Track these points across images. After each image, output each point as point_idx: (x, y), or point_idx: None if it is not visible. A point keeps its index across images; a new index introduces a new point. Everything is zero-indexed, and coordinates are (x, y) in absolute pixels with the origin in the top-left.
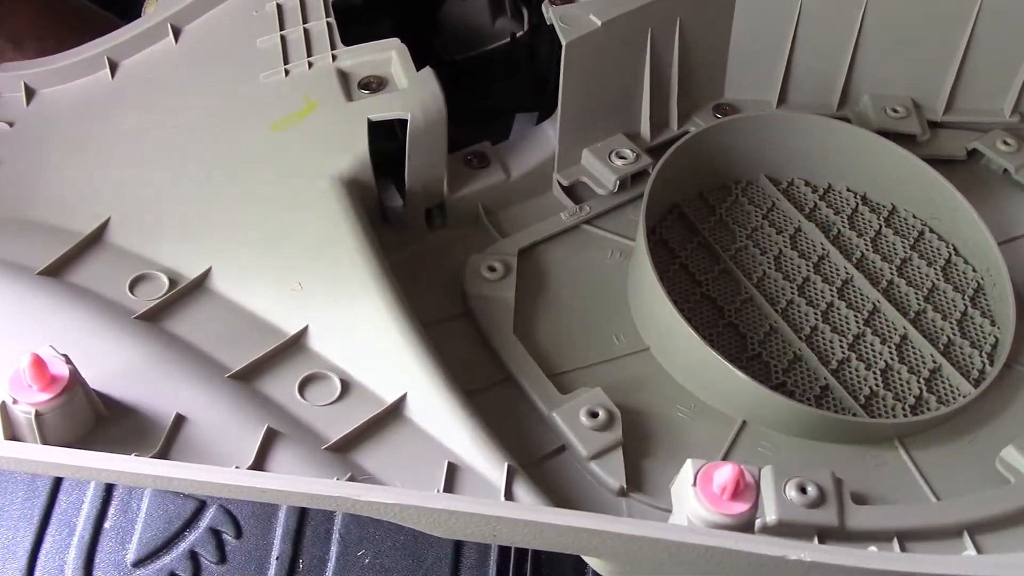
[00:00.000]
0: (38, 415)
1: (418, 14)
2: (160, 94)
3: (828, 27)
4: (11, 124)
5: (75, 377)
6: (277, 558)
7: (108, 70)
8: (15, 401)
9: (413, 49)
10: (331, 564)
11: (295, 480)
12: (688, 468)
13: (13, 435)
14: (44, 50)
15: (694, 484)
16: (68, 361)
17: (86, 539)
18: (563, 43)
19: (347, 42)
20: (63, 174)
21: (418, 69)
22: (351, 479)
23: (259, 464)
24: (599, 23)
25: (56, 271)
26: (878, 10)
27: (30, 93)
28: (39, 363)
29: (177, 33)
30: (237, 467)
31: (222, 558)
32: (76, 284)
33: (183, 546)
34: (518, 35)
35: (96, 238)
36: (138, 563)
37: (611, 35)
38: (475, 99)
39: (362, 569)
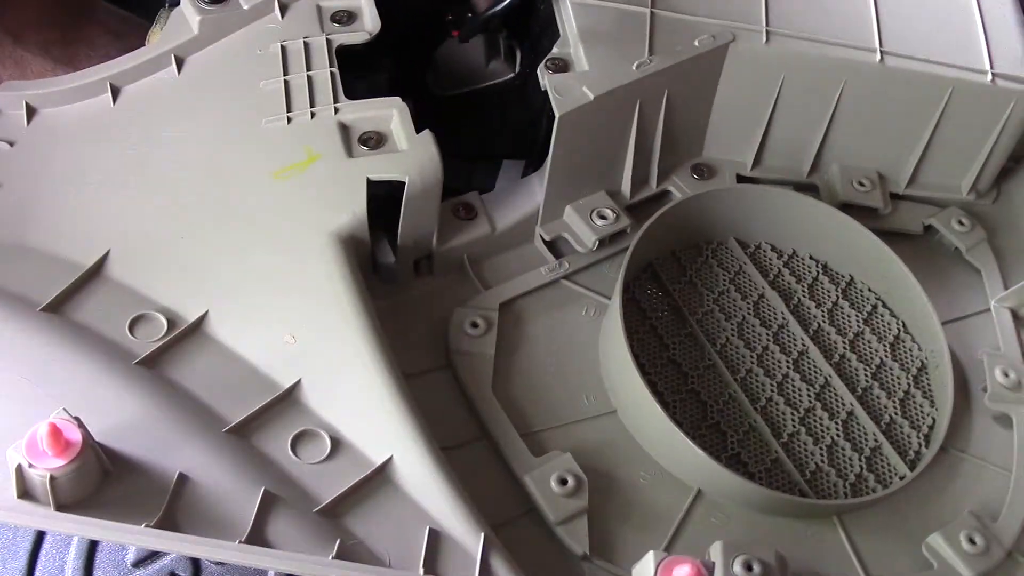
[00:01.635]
0: (52, 479)
1: (417, 53)
2: (161, 124)
3: (806, 102)
4: (11, 143)
5: (87, 441)
6: None
7: (110, 95)
8: (31, 465)
9: (408, 88)
10: None
11: (293, 558)
12: (649, 560)
13: (25, 492)
14: (44, 42)
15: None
16: (81, 425)
17: (86, 540)
18: (556, 115)
19: (348, 83)
20: (63, 200)
21: (413, 104)
22: (341, 547)
23: (257, 530)
24: (592, 97)
25: (58, 307)
26: (855, 90)
27: (31, 112)
28: (56, 432)
29: (180, 63)
30: (241, 540)
31: None
32: (77, 321)
33: None
34: (508, 78)
35: (96, 272)
36: (138, 563)
37: (602, 107)
38: (464, 141)
39: None
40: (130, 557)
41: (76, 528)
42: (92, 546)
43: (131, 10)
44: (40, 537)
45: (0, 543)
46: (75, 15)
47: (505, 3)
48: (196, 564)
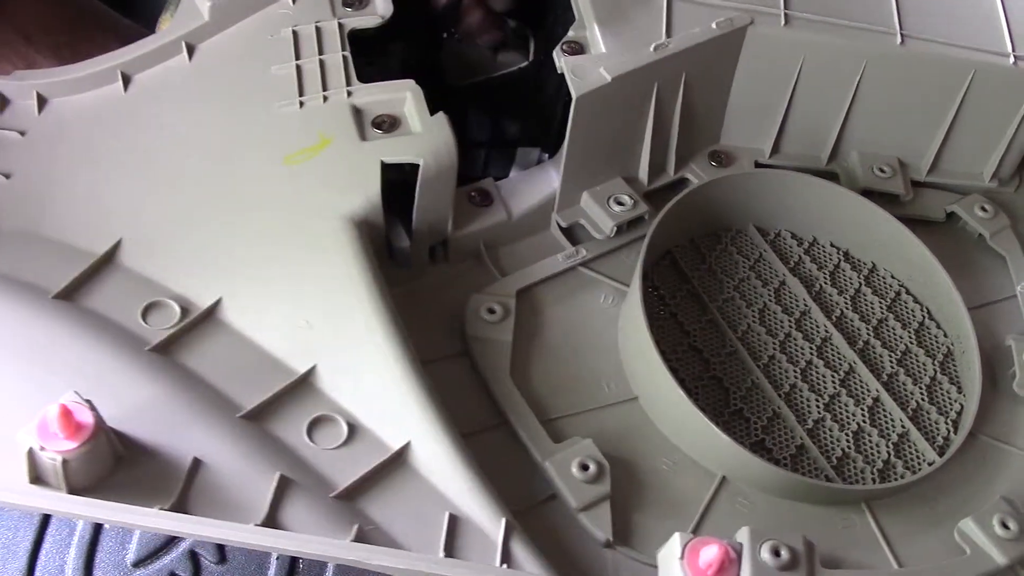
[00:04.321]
0: (64, 462)
1: (428, 43)
2: (173, 112)
3: (825, 87)
4: (23, 133)
5: (99, 424)
6: (277, 558)
7: (121, 83)
8: (42, 448)
9: (422, 76)
10: (331, 564)
11: (310, 540)
12: (676, 541)
13: (37, 477)
14: (55, 44)
15: (681, 557)
16: (92, 407)
17: (86, 539)
18: (573, 96)
19: (359, 68)
20: (74, 189)
21: (427, 94)
22: (359, 531)
23: (273, 514)
24: (609, 78)
25: (70, 294)
26: (875, 74)
27: (42, 102)
28: (67, 413)
29: (191, 50)
30: (257, 523)
31: (222, 558)
32: (90, 309)
33: (183, 546)
34: (522, 66)
35: (108, 260)
36: (138, 563)
37: (620, 89)
38: (479, 129)
39: (361, 572)
40: (130, 557)
41: (89, 511)
42: (92, 546)
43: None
44: (40, 537)
45: (0, 543)
46: (86, 19)
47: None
48: (196, 564)
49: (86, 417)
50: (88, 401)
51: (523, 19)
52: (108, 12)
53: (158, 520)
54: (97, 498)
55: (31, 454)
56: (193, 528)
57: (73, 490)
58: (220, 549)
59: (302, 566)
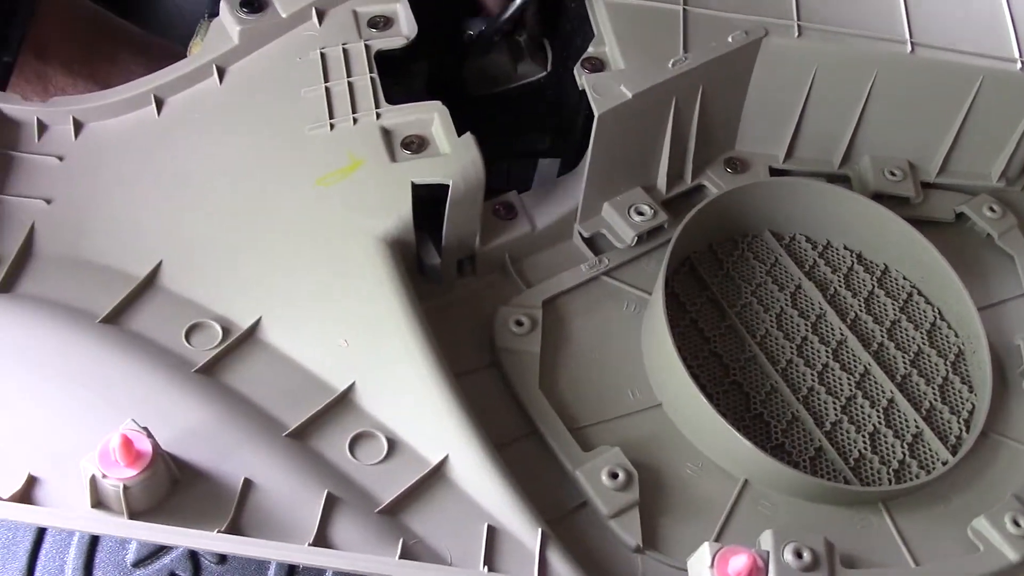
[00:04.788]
0: (125, 488)
1: (451, 55)
2: (206, 134)
3: (838, 94)
4: (61, 158)
5: (157, 451)
6: None
7: (154, 106)
8: (104, 476)
9: (445, 90)
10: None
11: (361, 559)
12: (706, 551)
13: (99, 502)
14: (67, 60)
15: (711, 566)
16: (150, 435)
17: (86, 539)
18: (596, 114)
19: (385, 88)
20: (113, 212)
21: (448, 105)
22: (404, 546)
23: (323, 532)
24: (630, 95)
25: (115, 318)
26: (886, 81)
27: (78, 126)
28: (127, 443)
29: (222, 73)
30: (309, 542)
31: (223, 558)
32: (135, 332)
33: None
34: (541, 77)
35: (150, 282)
36: (138, 563)
37: (640, 105)
38: (500, 140)
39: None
40: (130, 557)
41: (150, 535)
42: (92, 546)
43: (151, 28)
44: (39, 537)
45: (0, 543)
46: (98, 32)
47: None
48: (196, 564)
49: (145, 445)
50: (145, 428)
51: (540, 29)
52: (122, 24)
53: (217, 543)
54: (156, 522)
55: (93, 481)
56: (251, 550)
57: (133, 514)
58: None
59: (302, 566)
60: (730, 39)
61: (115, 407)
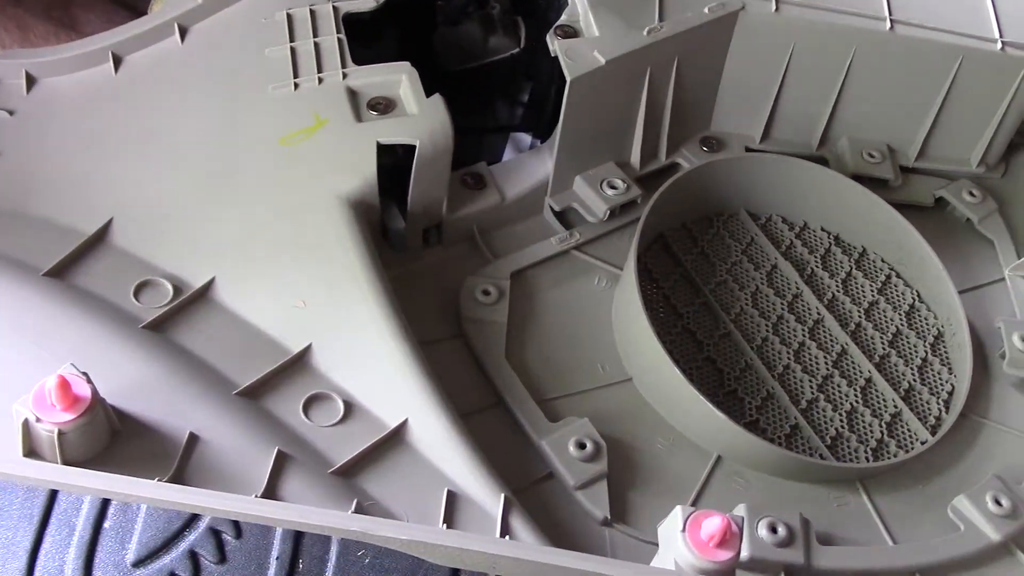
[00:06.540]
0: (60, 434)
1: (422, 28)
2: (165, 93)
3: (816, 72)
4: (11, 112)
5: (96, 397)
6: (277, 558)
7: (112, 64)
8: (38, 419)
9: (416, 61)
10: (331, 564)
11: (313, 511)
12: (678, 515)
13: (32, 450)
14: (46, 6)
15: (683, 530)
16: (89, 380)
17: (86, 539)
18: (568, 79)
19: (355, 52)
20: (64, 168)
21: (422, 79)
22: (359, 507)
23: (272, 489)
24: (603, 61)
25: (60, 272)
26: (865, 59)
27: (31, 81)
28: (64, 384)
29: (183, 32)
30: (256, 495)
31: (222, 558)
32: (81, 287)
33: (183, 546)
34: (514, 53)
35: (99, 239)
36: (138, 563)
37: (613, 72)
38: (472, 114)
39: (362, 569)
40: (130, 557)
41: (87, 482)
42: (92, 546)
43: None
44: (40, 537)
45: (0, 543)
46: None
47: None
48: (196, 564)
49: (83, 389)
50: (85, 374)
51: (513, 4)
52: None
53: (158, 491)
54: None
55: (26, 425)
56: (194, 499)
57: (68, 463)
58: (220, 549)
59: (302, 566)
60: (706, 10)
61: (54, 358)
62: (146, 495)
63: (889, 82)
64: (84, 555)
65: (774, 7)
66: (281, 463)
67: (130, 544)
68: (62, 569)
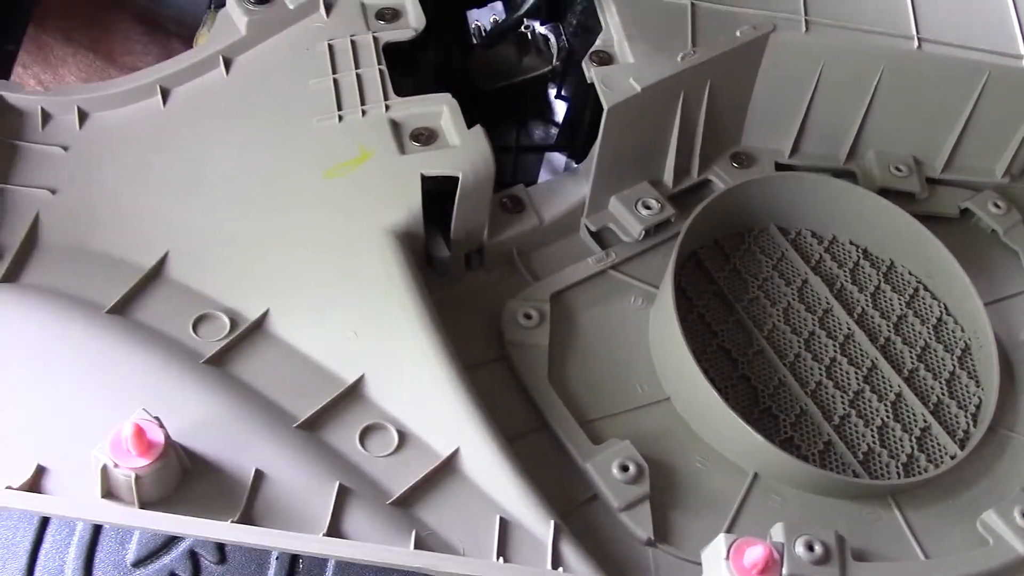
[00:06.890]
0: (137, 478)
1: (459, 52)
2: (213, 126)
3: (844, 89)
4: (65, 148)
5: (169, 441)
6: (277, 558)
7: (160, 97)
8: (116, 465)
9: (452, 82)
10: (331, 564)
11: (377, 549)
12: (721, 542)
13: (109, 492)
14: (67, 29)
15: (727, 558)
16: (161, 425)
17: (86, 539)
18: (605, 107)
19: (393, 79)
20: (118, 203)
21: (457, 100)
22: (417, 537)
23: (336, 523)
24: (639, 89)
25: (123, 308)
26: (892, 76)
27: (83, 116)
28: (140, 432)
29: (228, 64)
30: (323, 533)
31: (222, 558)
32: (142, 322)
33: (183, 546)
34: (547, 71)
35: (156, 273)
36: (138, 563)
37: (649, 98)
38: (507, 133)
39: (362, 569)
40: (130, 557)
41: (164, 525)
42: (92, 546)
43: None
44: (40, 537)
45: (0, 543)
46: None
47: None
48: (196, 564)
49: (157, 435)
50: (157, 418)
51: (549, 23)
52: None
53: (232, 533)
54: (167, 512)
55: (105, 471)
56: (267, 540)
57: (144, 504)
58: (220, 549)
59: (302, 566)
60: (738, 33)
61: (123, 397)
62: (222, 536)
63: (916, 98)
64: (84, 555)
65: (804, 28)
66: (343, 496)
67: (130, 544)
68: (62, 569)
